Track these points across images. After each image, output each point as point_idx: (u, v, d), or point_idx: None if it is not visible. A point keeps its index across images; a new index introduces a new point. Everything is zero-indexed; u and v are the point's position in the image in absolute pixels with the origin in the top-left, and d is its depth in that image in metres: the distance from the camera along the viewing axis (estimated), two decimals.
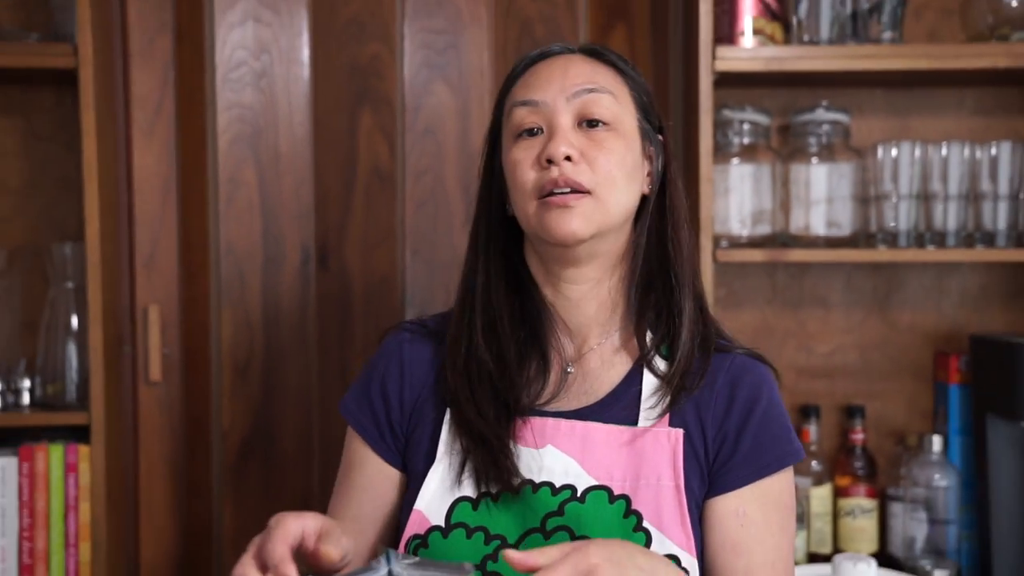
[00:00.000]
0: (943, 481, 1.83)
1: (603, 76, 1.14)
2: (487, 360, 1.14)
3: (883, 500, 1.90)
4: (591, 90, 1.12)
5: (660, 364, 1.14)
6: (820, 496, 1.87)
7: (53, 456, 1.70)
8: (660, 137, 1.18)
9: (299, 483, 1.94)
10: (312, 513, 0.98)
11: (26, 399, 1.75)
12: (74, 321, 1.77)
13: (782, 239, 1.87)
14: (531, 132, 1.13)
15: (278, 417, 1.93)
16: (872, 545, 1.88)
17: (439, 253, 1.94)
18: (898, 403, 1.98)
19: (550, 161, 1.10)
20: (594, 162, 1.10)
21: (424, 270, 1.94)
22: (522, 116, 1.13)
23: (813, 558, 1.86)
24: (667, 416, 1.12)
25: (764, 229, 1.86)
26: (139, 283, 1.90)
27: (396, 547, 1.14)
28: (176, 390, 1.92)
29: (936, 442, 1.84)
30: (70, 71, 1.66)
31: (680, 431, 1.12)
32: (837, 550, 1.88)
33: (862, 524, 1.87)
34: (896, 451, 1.93)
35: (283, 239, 1.92)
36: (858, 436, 1.90)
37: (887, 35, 1.79)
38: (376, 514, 1.20)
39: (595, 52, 1.17)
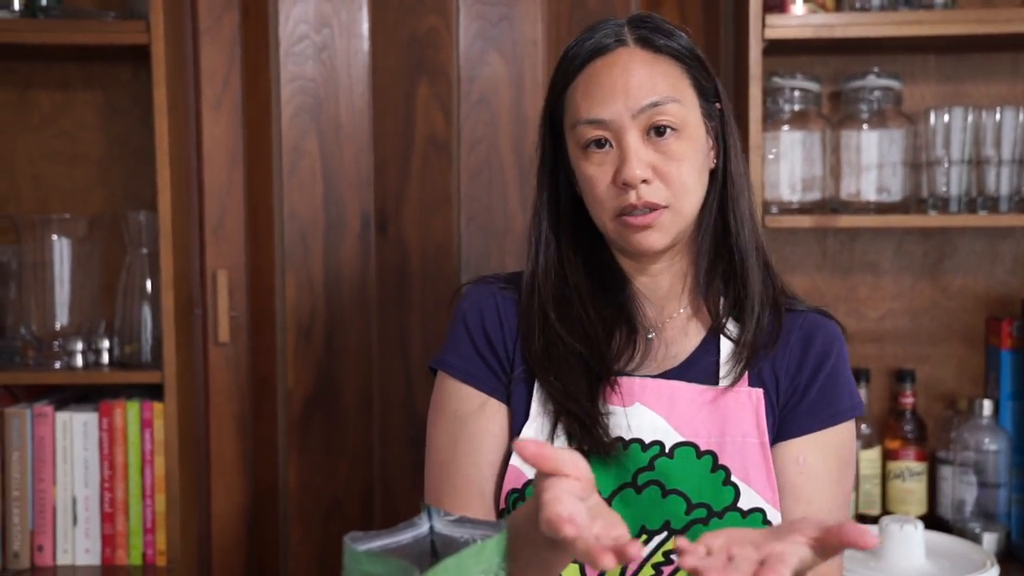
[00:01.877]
0: (993, 445, 1.84)
1: (663, 77, 1.13)
2: (571, 340, 1.16)
3: (932, 463, 1.91)
4: (656, 104, 1.11)
5: (733, 329, 1.17)
6: (869, 459, 1.89)
7: (130, 412, 1.79)
8: (718, 106, 1.18)
9: (360, 439, 2.01)
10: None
11: (105, 358, 1.83)
12: (148, 285, 1.85)
13: (832, 205, 1.88)
14: (599, 143, 1.13)
15: (340, 377, 2.01)
16: (921, 507, 1.89)
17: (493, 220, 2.00)
18: (948, 368, 1.98)
19: (625, 183, 1.11)
20: (667, 176, 1.12)
21: (479, 236, 2.00)
22: (591, 135, 1.13)
23: (862, 519, 1.88)
24: (746, 376, 1.15)
25: (814, 195, 1.88)
26: (208, 249, 1.98)
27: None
28: (243, 351, 2.00)
29: (987, 406, 1.84)
30: (143, 47, 1.74)
31: (760, 391, 1.15)
32: (886, 512, 1.90)
33: (911, 487, 1.89)
34: (946, 415, 1.94)
35: (344, 206, 1.99)
36: (908, 400, 1.91)
37: (939, 0, 1.79)
38: (500, 458, 1.17)
39: (649, 41, 1.14)
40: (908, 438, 1.90)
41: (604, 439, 1.12)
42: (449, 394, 1.20)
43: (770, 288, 1.18)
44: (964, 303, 1.98)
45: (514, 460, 1.14)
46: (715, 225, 1.18)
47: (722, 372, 1.16)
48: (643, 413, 1.14)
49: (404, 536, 0.89)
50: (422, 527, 0.90)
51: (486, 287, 1.23)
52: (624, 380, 1.16)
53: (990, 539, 1.76)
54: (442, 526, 0.90)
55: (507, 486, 1.14)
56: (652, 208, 1.11)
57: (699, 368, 1.17)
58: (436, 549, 0.90)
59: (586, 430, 1.12)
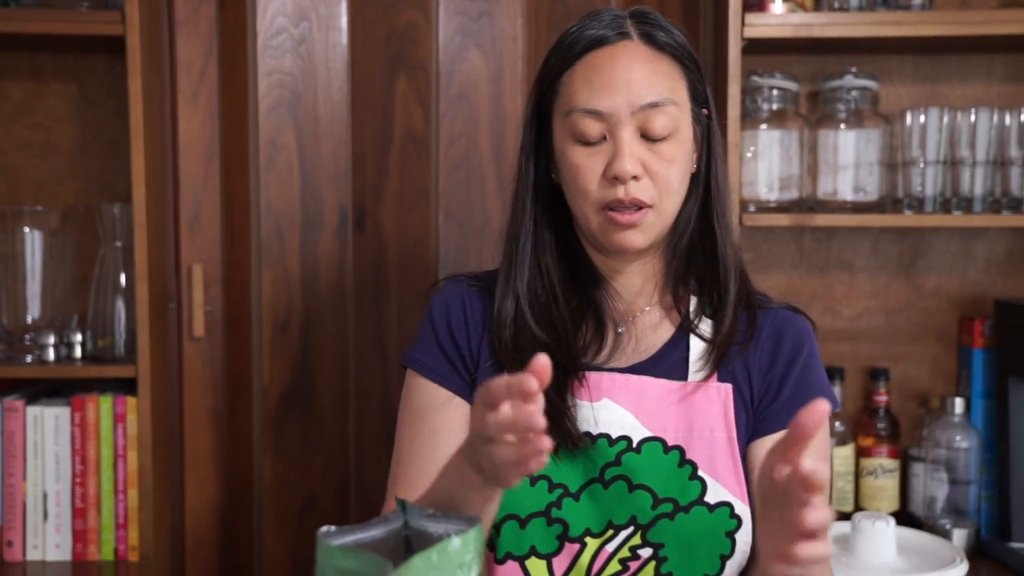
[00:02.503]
0: (964, 443, 1.85)
1: (664, 77, 1.13)
2: (539, 332, 1.17)
3: (905, 461, 1.92)
4: (655, 104, 1.12)
5: (705, 327, 1.19)
6: (843, 456, 1.91)
7: (103, 407, 1.77)
8: (705, 111, 1.19)
9: (335, 435, 2.01)
10: None
11: (78, 352, 1.81)
12: (122, 279, 1.83)
13: (809, 204, 1.89)
14: (592, 134, 1.14)
15: (316, 372, 2.00)
16: (893, 504, 1.91)
17: (472, 216, 1.99)
18: (922, 366, 2.00)
19: (615, 178, 1.12)
20: (656, 176, 1.12)
21: (457, 233, 1.99)
22: (586, 124, 1.13)
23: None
24: (715, 372, 1.17)
25: (792, 194, 1.88)
26: (183, 243, 1.97)
27: None
28: (219, 345, 1.99)
29: (959, 404, 1.86)
30: (118, 38, 1.72)
31: (729, 386, 1.17)
32: (859, 508, 1.91)
33: (883, 484, 1.90)
34: (919, 413, 1.96)
35: (321, 201, 1.98)
36: (882, 398, 1.92)
37: (917, 1, 1.80)
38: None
39: (652, 38, 1.14)
40: (881, 436, 1.91)
41: (572, 432, 1.13)
42: (414, 390, 1.21)
43: (743, 290, 1.20)
44: (938, 302, 2.00)
45: None
46: (694, 228, 1.20)
47: (692, 368, 1.17)
48: (611, 408, 1.15)
49: (378, 531, 0.89)
50: (396, 522, 0.90)
51: (456, 284, 1.24)
52: (592, 375, 1.17)
53: (960, 535, 1.78)
54: (416, 521, 0.90)
55: None
56: (638, 206, 1.12)
57: (668, 363, 1.18)
58: (410, 544, 0.90)
59: (553, 423, 1.12)
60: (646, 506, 1.13)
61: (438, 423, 1.19)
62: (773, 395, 1.17)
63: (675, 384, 1.17)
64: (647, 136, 1.12)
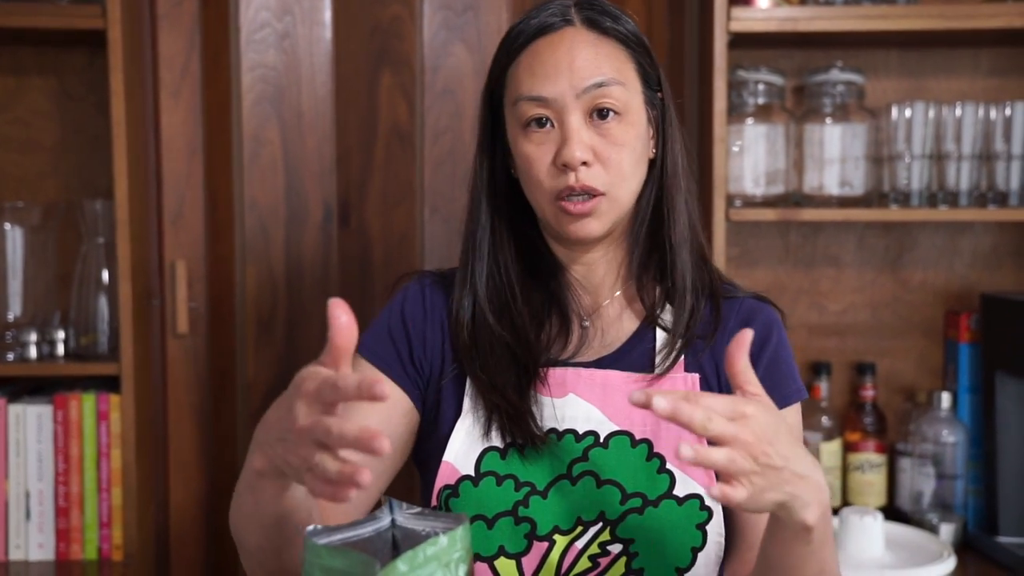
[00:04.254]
0: (951, 437, 1.86)
1: (608, 59, 1.12)
2: (499, 329, 1.15)
3: (892, 455, 1.93)
4: (600, 84, 1.10)
5: (667, 317, 1.17)
6: (830, 451, 1.91)
7: (86, 405, 1.76)
8: (659, 94, 1.17)
9: None
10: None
11: (60, 350, 1.80)
12: (105, 275, 1.82)
13: (795, 198, 1.89)
14: (540, 122, 1.12)
15: (300, 369, 1.98)
16: (880, 499, 1.91)
17: (457, 211, 1.98)
18: (908, 361, 2.00)
19: (565, 165, 1.10)
20: (607, 161, 1.11)
21: (442, 228, 1.99)
22: (531, 112, 1.11)
23: None
24: (682, 362, 1.15)
25: (778, 189, 1.88)
26: (166, 239, 1.95)
27: (430, 499, 1.15)
28: (202, 342, 1.98)
29: (945, 399, 1.86)
30: (100, 32, 1.70)
31: (696, 376, 1.15)
32: (846, 503, 1.91)
33: (871, 478, 1.91)
34: (905, 407, 1.96)
35: (305, 197, 1.97)
36: (868, 393, 1.93)
37: None
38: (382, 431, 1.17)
39: (595, 23, 1.13)
40: (868, 430, 1.92)
41: (535, 431, 1.12)
42: (365, 370, 1.17)
43: (706, 279, 1.19)
44: (924, 297, 2.00)
45: (447, 456, 1.13)
46: (651, 216, 1.18)
47: (657, 359, 1.16)
48: (576, 404, 1.14)
49: (365, 529, 0.88)
50: (383, 520, 0.90)
51: (419, 280, 1.23)
52: (557, 371, 1.15)
53: (947, 530, 1.78)
54: (403, 519, 0.90)
55: (440, 482, 1.13)
56: (590, 193, 1.10)
57: (634, 355, 1.17)
58: (397, 542, 0.90)
59: (515, 422, 1.12)
60: (615, 501, 1.11)
61: (369, 412, 1.13)
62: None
63: (641, 376, 1.15)
64: (596, 119, 1.11)
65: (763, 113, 1.88)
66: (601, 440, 1.13)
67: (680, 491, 1.11)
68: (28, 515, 1.76)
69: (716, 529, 1.12)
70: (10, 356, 1.78)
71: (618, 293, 1.20)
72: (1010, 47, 1.94)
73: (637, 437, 1.13)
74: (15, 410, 1.75)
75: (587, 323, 1.19)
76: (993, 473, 1.82)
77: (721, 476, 0.88)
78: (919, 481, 1.87)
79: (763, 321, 1.18)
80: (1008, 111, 1.83)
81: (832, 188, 1.86)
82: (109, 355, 1.80)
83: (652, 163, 1.18)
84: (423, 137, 1.97)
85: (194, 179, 1.96)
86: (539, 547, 1.12)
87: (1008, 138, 1.83)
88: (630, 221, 1.19)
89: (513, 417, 1.12)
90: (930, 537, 1.74)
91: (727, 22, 1.74)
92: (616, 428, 1.13)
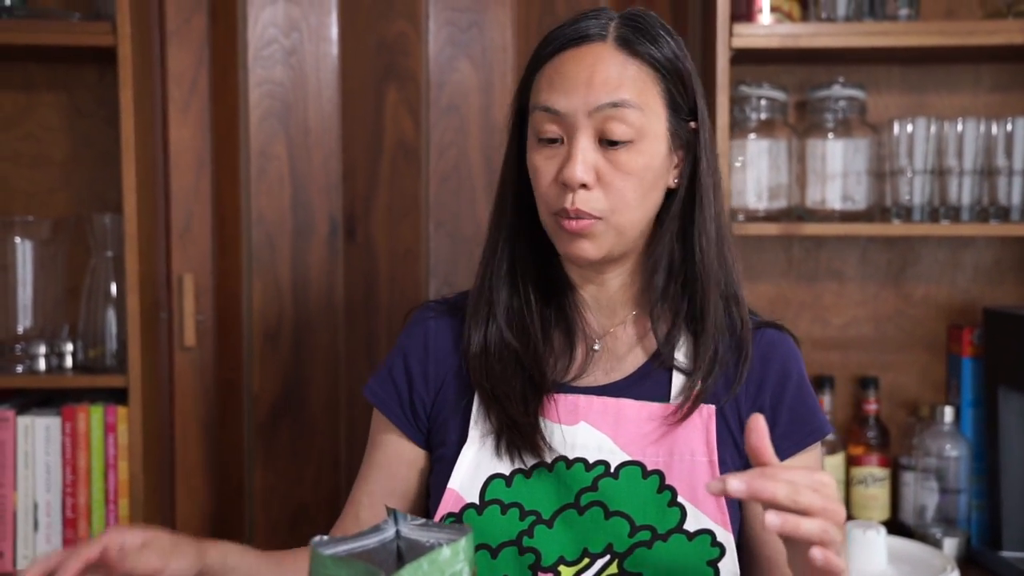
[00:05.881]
0: (954, 451, 1.86)
1: (632, 80, 1.07)
2: (511, 339, 1.14)
3: (895, 469, 1.93)
4: (615, 104, 1.06)
5: (682, 353, 1.13)
6: (833, 465, 1.91)
7: (94, 417, 1.77)
8: (692, 125, 1.12)
9: (326, 444, 2.01)
10: (143, 530, 1.04)
11: (69, 362, 1.81)
12: (113, 288, 1.83)
13: (798, 213, 1.90)
14: (551, 138, 1.09)
15: (306, 382, 2.00)
16: (884, 513, 1.91)
17: (462, 226, 2.00)
18: (911, 375, 2.01)
19: (565, 184, 1.07)
20: (609, 187, 1.07)
21: (447, 243, 2.00)
22: (543, 122, 1.09)
23: None
24: (696, 392, 1.11)
25: (780, 203, 1.89)
26: (174, 253, 1.97)
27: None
28: (209, 355, 1.99)
29: (948, 413, 1.87)
30: (110, 49, 1.72)
31: (712, 407, 1.12)
32: (850, 518, 1.91)
33: (874, 492, 1.91)
34: (909, 422, 1.96)
35: (312, 211, 1.99)
36: (871, 407, 1.93)
37: (903, 12, 1.81)
38: (391, 493, 1.20)
39: (628, 42, 1.08)
40: (871, 444, 1.92)
41: (542, 446, 1.10)
42: (374, 419, 1.24)
43: (737, 322, 1.14)
44: (927, 311, 2.01)
45: (452, 483, 1.12)
46: (673, 245, 1.14)
47: (673, 392, 1.13)
48: (588, 432, 1.11)
49: (370, 540, 0.89)
50: (388, 532, 0.91)
51: (423, 315, 1.23)
52: (568, 397, 1.13)
53: (951, 544, 1.79)
54: (408, 530, 0.90)
55: (443, 509, 1.12)
56: (587, 216, 1.07)
57: (648, 383, 1.14)
58: (402, 553, 0.90)
59: (522, 437, 1.10)
60: (623, 534, 1.08)
61: (380, 459, 1.21)
62: (768, 426, 1.13)
63: (655, 406, 1.12)
64: (606, 142, 1.07)
65: (766, 128, 1.89)
66: (612, 470, 1.10)
67: (691, 526, 1.08)
68: (36, 526, 1.77)
69: (730, 568, 1.08)
70: (19, 368, 1.79)
71: (631, 318, 1.17)
72: (1011, 63, 1.96)
73: (649, 468, 1.10)
74: (24, 422, 1.77)
75: (597, 347, 1.17)
76: (996, 487, 1.82)
77: (800, 540, 0.87)
78: (922, 495, 1.87)
79: (783, 356, 1.16)
80: (1009, 127, 1.84)
81: (835, 203, 1.87)
82: (117, 367, 1.81)
83: (674, 191, 1.13)
84: (428, 152, 1.99)
85: (202, 193, 1.98)
86: None
87: (1009, 153, 1.84)
88: (647, 248, 1.15)
89: (519, 431, 1.10)
90: (934, 552, 1.74)
91: (729, 38, 1.75)
92: (628, 458, 1.10)
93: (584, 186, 1.07)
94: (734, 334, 1.14)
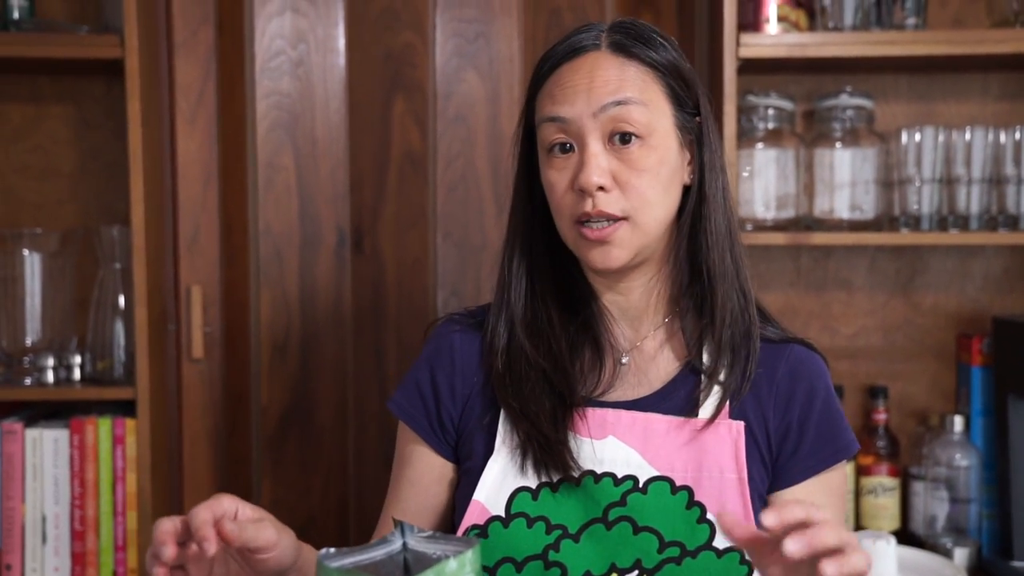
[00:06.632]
0: (964, 461, 1.85)
1: (632, 79, 1.08)
2: (535, 356, 1.12)
3: (905, 479, 1.92)
4: (619, 103, 1.07)
5: (707, 359, 1.13)
6: None
7: (102, 429, 1.77)
8: (696, 119, 1.13)
9: (334, 456, 2.01)
10: (250, 505, 0.99)
11: (77, 374, 1.82)
12: (121, 300, 1.83)
13: (806, 222, 1.90)
14: (563, 148, 1.09)
15: (314, 393, 2.00)
16: (894, 523, 1.90)
17: (469, 237, 2.00)
18: (920, 384, 2.00)
19: (582, 190, 1.07)
20: (627, 185, 1.07)
21: (455, 253, 2.00)
22: (551, 132, 1.09)
23: None
24: (727, 408, 1.11)
25: (788, 213, 1.89)
26: (182, 264, 1.97)
27: None
28: (217, 367, 1.99)
29: (958, 422, 1.86)
30: (117, 61, 1.73)
31: (741, 423, 1.11)
32: (859, 527, 1.91)
33: (884, 502, 1.90)
34: (918, 431, 1.95)
35: (319, 222, 1.99)
36: (881, 416, 1.92)
37: (911, 21, 1.81)
38: (424, 509, 1.19)
39: (622, 47, 1.10)
40: (881, 454, 1.91)
41: (570, 463, 1.09)
42: (400, 433, 1.22)
43: (746, 317, 1.13)
44: (936, 320, 2.00)
45: (477, 496, 1.11)
46: (687, 244, 1.13)
47: (702, 400, 1.12)
48: (616, 446, 1.10)
49: (377, 552, 0.89)
50: (395, 544, 0.90)
51: (448, 327, 1.21)
52: (597, 411, 1.12)
53: (961, 554, 1.78)
54: (415, 543, 0.90)
55: (468, 521, 1.11)
56: (608, 219, 1.07)
57: (677, 397, 1.13)
58: (409, 566, 0.90)
59: (549, 454, 1.09)
60: (652, 549, 1.07)
61: (410, 475, 1.19)
62: (794, 443, 1.11)
63: (684, 421, 1.10)
64: (616, 141, 1.07)
65: (773, 138, 1.89)
66: (640, 485, 1.09)
67: (720, 543, 1.07)
68: (44, 539, 1.77)
69: None
70: (27, 380, 1.80)
71: (659, 327, 1.16)
72: (1019, 72, 1.95)
73: (678, 484, 1.09)
74: (32, 434, 1.77)
75: (626, 360, 1.15)
76: (1007, 497, 1.81)
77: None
78: (932, 505, 1.87)
79: (811, 373, 1.14)
80: (1018, 135, 1.84)
81: (843, 212, 1.87)
82: (125, 379, 1.81)
83: (689, 188, 1.13)
84: (435, 162, 1.99)
85: (209, 205, 1.98)
86: None
87: (1018, 162, 1.84)
88: (668, 249, 1.14)
89: (547, 448, 1.09)
90: (944, 562, 1.73)
91: (736, 48, 1.75)
92: (656, 473, 1.09)
93: (602, 188, 1.07)
94: (750, 337, 1.13)
